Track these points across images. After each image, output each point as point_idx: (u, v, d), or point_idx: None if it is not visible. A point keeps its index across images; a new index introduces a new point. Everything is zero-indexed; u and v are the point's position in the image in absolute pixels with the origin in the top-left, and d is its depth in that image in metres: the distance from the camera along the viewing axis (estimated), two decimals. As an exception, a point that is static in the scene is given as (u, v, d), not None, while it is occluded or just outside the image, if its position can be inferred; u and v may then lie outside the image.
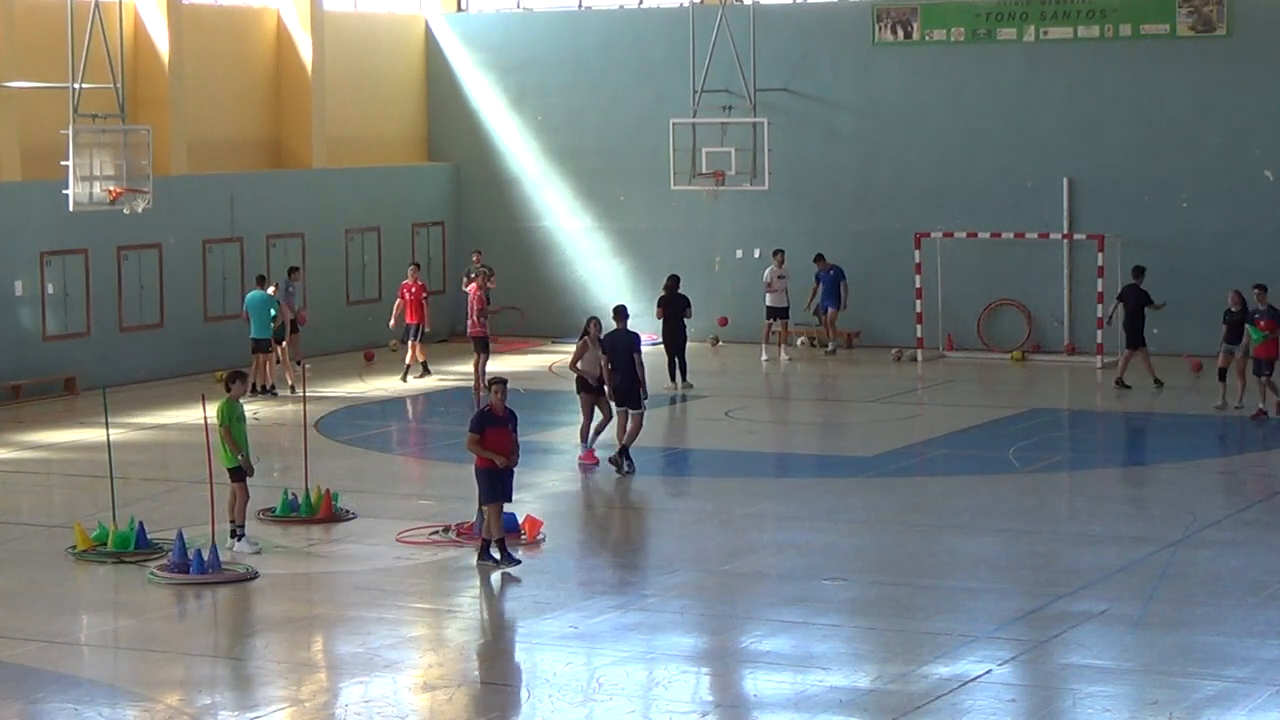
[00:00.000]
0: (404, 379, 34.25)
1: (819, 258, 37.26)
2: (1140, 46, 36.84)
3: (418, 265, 36.34)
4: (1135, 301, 32.25)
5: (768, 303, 36.77)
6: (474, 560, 20.96)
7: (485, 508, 20.66)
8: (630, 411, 26.00)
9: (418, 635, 18.51)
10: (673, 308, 33.82)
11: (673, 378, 33.12)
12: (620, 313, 26.80)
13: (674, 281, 34.28)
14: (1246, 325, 29.50)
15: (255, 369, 32.35)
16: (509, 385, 21.30)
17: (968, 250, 37.38)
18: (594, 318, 26.87)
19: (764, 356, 36.53)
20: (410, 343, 34.52)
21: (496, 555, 20.51)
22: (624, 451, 25.90)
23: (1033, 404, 31.83)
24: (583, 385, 26.42)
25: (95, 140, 29.99)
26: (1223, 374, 30.14)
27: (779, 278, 36.65)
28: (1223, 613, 18.66)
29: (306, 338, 36.94)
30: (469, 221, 41.65)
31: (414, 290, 34.81)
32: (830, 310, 37.30)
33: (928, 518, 23.51)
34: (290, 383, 32.62)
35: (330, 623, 18.96)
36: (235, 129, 37.85)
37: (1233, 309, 30.07)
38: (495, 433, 20.65)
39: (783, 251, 37.04)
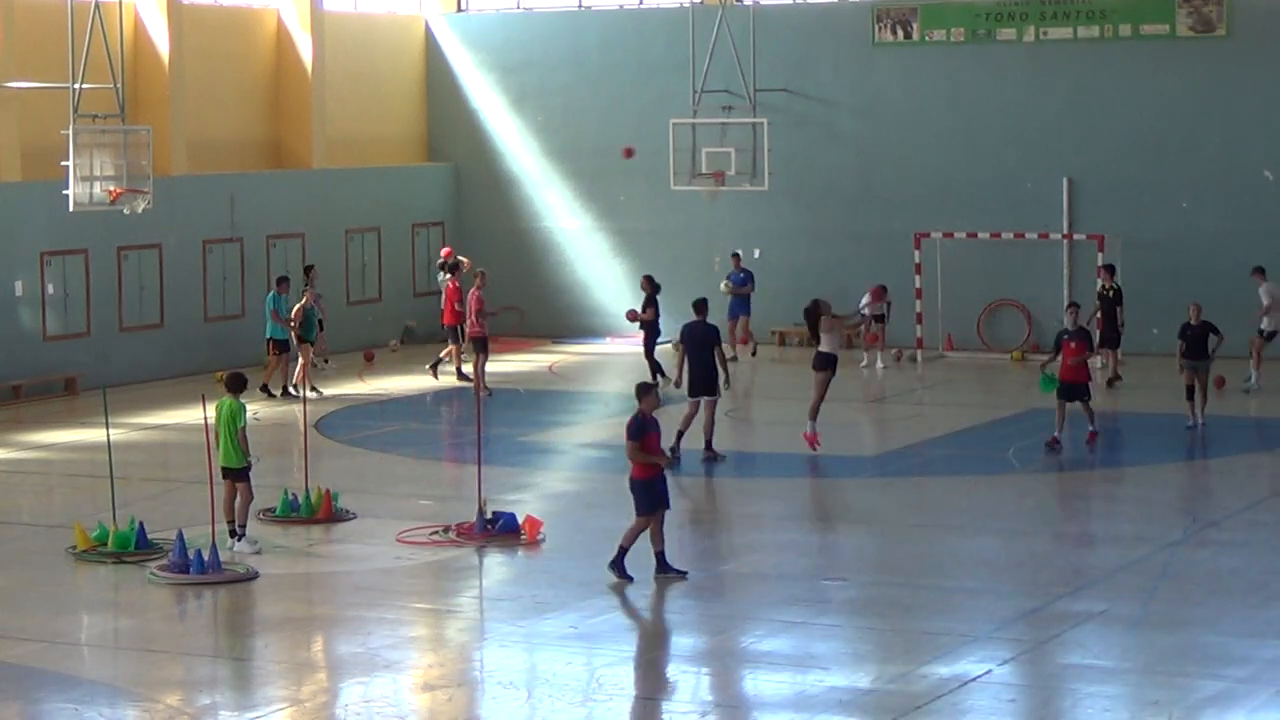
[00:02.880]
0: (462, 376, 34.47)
1: (735, 256, 36.67)
2: (1140, 46, 36.86)
3: (457, 264, 36.17)
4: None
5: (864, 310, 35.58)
6: (474, 560, 20.98)
7: (647, 517, 20.06)
8: (705, 400, 26.33)
9: (418, 635, 18.51)
10: (656, 309, 33.81)
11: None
12: (701, 306, 27.16)
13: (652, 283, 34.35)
14: (1046, 371, 27.75)
15: (269, 369, 32.37)
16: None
17: (968, 250, 37.38)
18: (821, 299, 27.55)
19: (863, 363, 35.60)
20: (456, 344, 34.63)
21: (622, 566, 20.13)
22: (709, 444, 26.46)
23: (1033, 404, 31.81)
24: (824, 362, 26.88)
25: (95, 140, 30.00)
26: (1190, 392, 28.55)
27: (875, 301, 35.51)
28: (1223, 613, 18.66)
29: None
30: (469, 221, 41.65)
31: (459, 294, 34.88)
32: (741, 317, 36.66)
33: (928, 518, 23.52)
34: (294, 383, 32.48)
35: (330, 623, 18.96)
36: (235, 129, 37.85)
37: (1192, 322, 28.69)
38: (652, 438, 20.10)
39: (885, 288, 35.84)
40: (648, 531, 20.11)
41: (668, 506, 20.26)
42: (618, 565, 20.10)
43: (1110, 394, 32.53)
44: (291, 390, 32.48)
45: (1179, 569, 20.48)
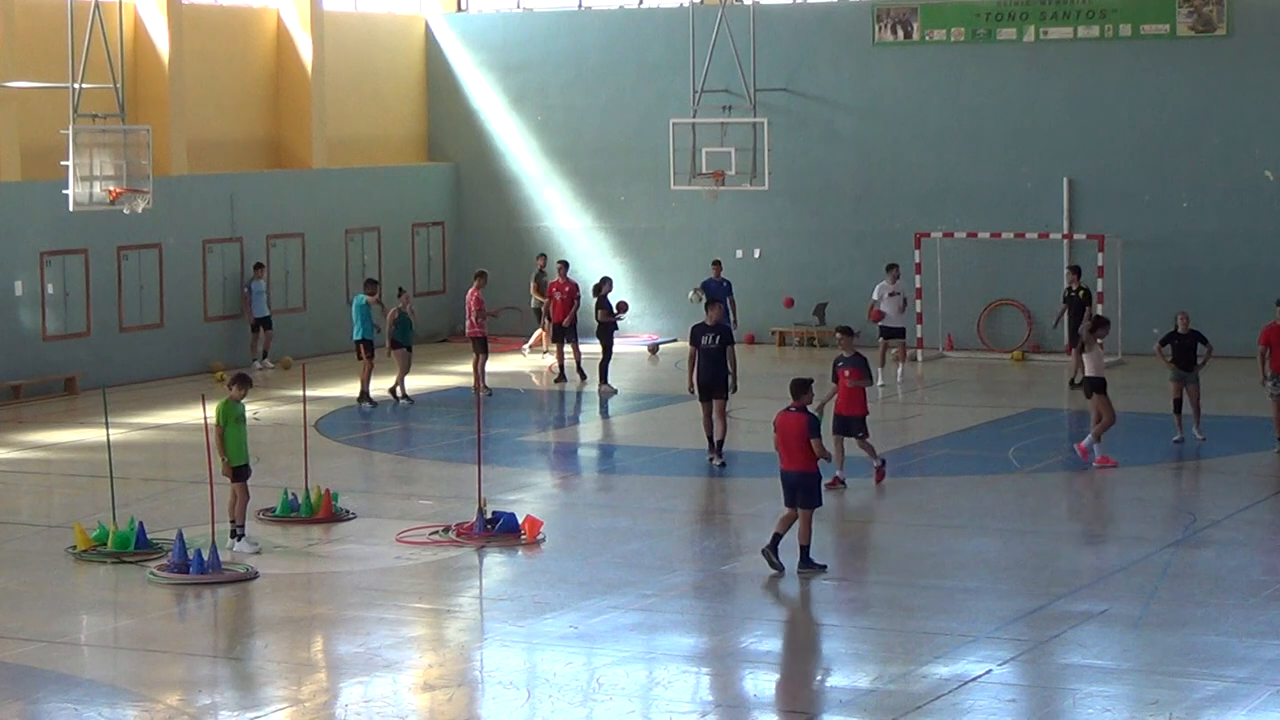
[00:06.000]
0: (562, 378, 34.33)
1: (716, 264, 35.75)
2: (1140, 46, 36.86)
3: (566, 263, 36.25)
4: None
5: (881, 321, 33.83)
6: (474, 560, 21.02)
7: (809, 512, 20.23)
8: (715, 403, 26.16)
9: (418, 635, 18.51)
10: (606, 309, 33.82)
11: (604, 378, 33.19)
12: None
13: (607, 284, 34.36)
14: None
15: (365, 373, 32.05)
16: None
17: (968, 250, 37.39)
18: (1100, 317, 27.11)
19: (880, 382, 32.66)
20: (559, 345, 34.56)
21: (817, 562, 20.33)
22: (718, 446, 26.32)
23: (1033, 404, 31.84)
24: (1098, 386, 26.27)
25: (95, 140, 29.98)
26: (1178, 405, 27.58)
27: (891, 294, 33.65)
28: (1223, 613, 18.66)
29: (306, 337, 37.04)
30: (469, 221, 41.67)
31: (565, 290, 34.72)
32: None
33: (928, 518, 23.51)
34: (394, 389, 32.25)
35: (330, 623, 18.96)
36: (235, 129, 37.86)
37: (1180, 331, 27.49)
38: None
39: (896, 266, 34.66)
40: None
41: (820, 503, 20.50)
42: (809, 563, 20.23)
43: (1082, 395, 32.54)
44: (395, 395, 32.14)
45: (1179, 569, 20.48)
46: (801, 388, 20.53)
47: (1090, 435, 26.25)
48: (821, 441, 20.19)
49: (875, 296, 33.95)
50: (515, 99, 41.32)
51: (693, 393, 26.47)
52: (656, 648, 17.89)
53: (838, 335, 25.58)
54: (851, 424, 24.76)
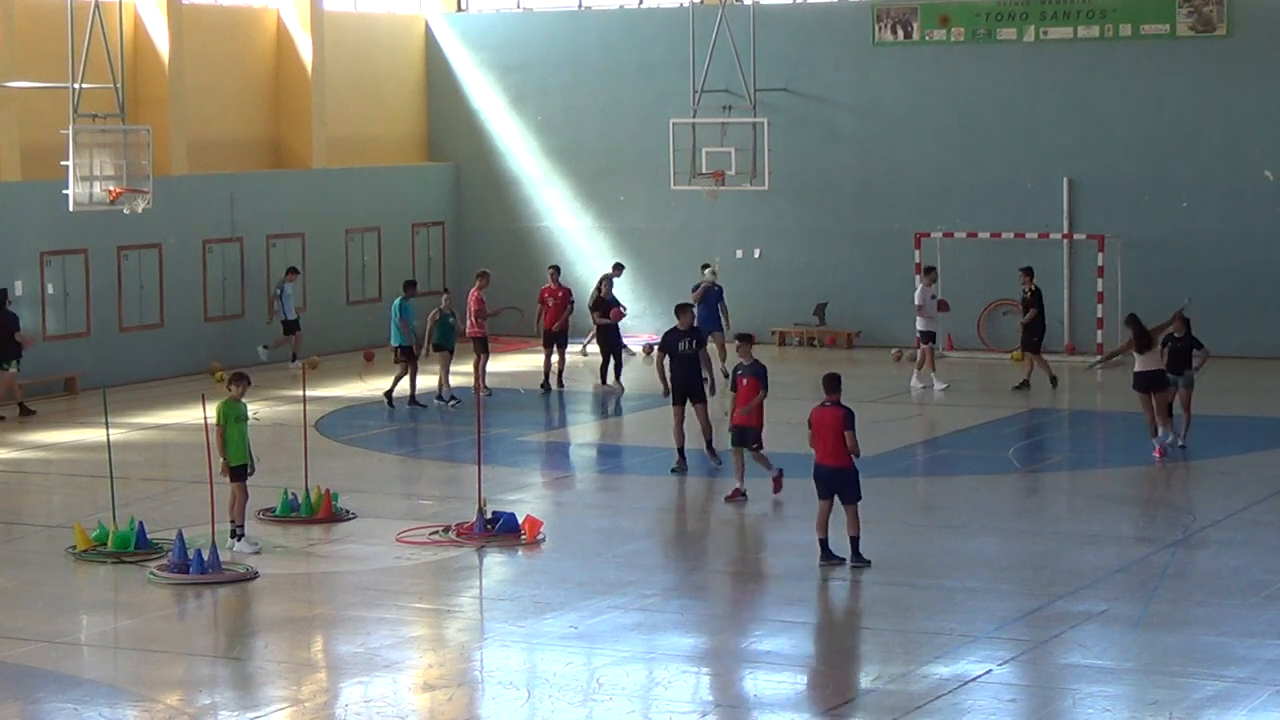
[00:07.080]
0: (545, 387, 33.64)
1: (704, 268, 35.07)
2: (1140, 46, 36.85)
3: (557, 268, 35.92)
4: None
5: (919, 327, 33.22)
6: (474, 560, 21.04)
7: (854, 506, 20.56)
8: (695, 406, 25.86)
9: (418, 635, 18.51)
10: (605, 308, 33.74)
11: (604, 378, 33.16)
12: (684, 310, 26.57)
13: (605, 284, 34.25)
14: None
15: (397, 377, 31.74)
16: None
17: (968, 250, 37.38)
18: (1131, 315, 27.06)
19: (938, 385, 33.00)
20: (546, 351, 34.13)
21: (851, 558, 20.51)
22: (709, 445, 26.01)
23: (1033, 404, 31.84)
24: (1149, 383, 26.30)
25: (95, 140, 29.96)
26: (1171, 409, 26.95)
27: (931, 298, 33.14)
28: (1223, 613, 18.67)
29: (306, 337, 36.99)
30: (469, 221, 41.67)
31: (558, 296, 34.30)
32: (715, 333, 32.61)
33: (928, 518, 23.51)
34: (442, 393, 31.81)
35: (330, 623, 18.97)
36: (235, 129, 37.85)
37: (1175, 335, 27.07)
38: None
39: (935, 269, 34.40)
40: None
41: (860, 496, 20.85)
42: (859, 557, 20.46)
43: (1054, 394, 32.46)
44: (426, 402, 31.64)
45: (1179, 569, 20.48)
46: (834, 383, 20.83)
47: (1168, 431, 26.42)
48: (855, 435, 20.44)
49: (919, 301, 33.45)
50: (515, 99, 41.32)
51: (668, 396, 26.25)
52: (656, 648, 17.89)
53: (737, 342, 24.49)
54: (747, 435, 23.76)
